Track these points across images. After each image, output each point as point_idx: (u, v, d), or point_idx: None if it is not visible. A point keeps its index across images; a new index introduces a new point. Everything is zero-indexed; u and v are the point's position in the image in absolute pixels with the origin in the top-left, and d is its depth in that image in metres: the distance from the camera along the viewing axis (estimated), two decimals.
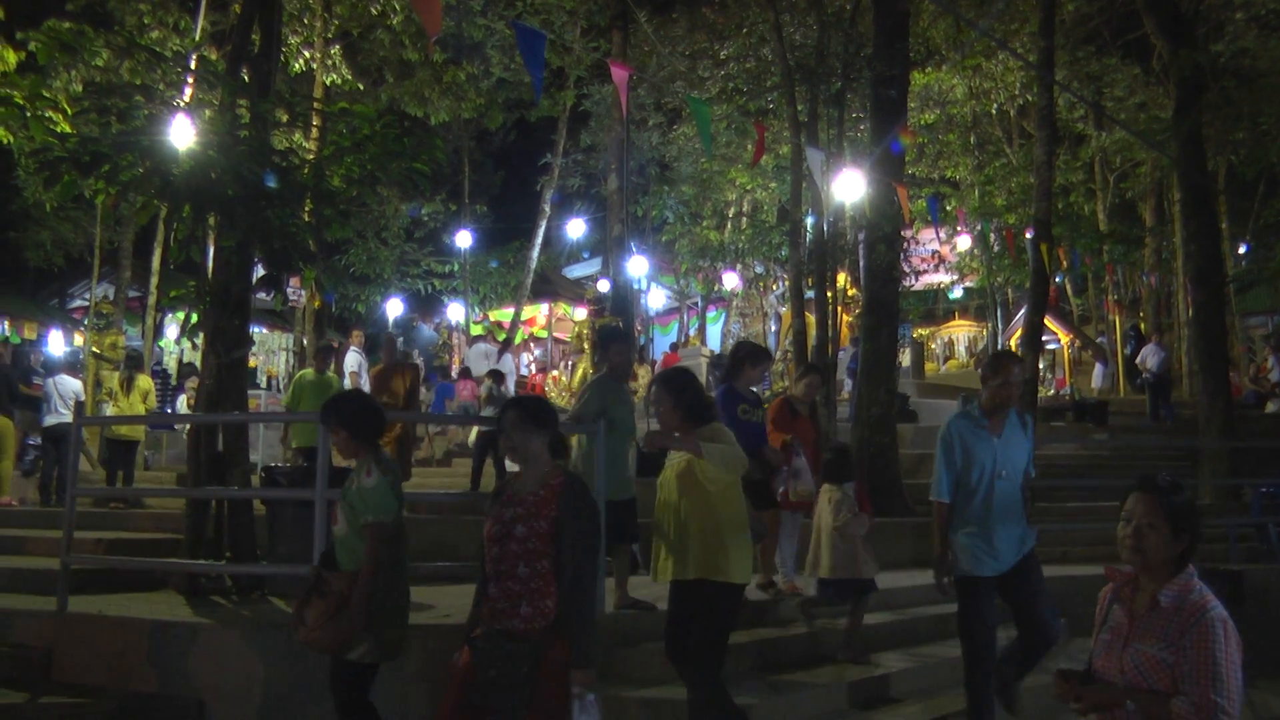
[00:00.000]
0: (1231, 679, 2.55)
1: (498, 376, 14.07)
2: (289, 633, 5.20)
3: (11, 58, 8.58)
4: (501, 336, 25.63)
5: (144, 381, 11.69)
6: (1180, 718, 2.54)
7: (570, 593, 3.44)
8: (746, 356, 6.85)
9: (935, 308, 32.04)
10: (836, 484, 6.49)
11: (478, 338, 21.50)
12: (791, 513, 7.11)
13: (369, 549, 4.11)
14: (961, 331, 29.17)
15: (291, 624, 4.21)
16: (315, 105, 10.84)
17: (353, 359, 14.85)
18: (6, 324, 22.21)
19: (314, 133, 12.80)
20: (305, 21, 15.03)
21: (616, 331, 6.78)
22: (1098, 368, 22.71)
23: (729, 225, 24.47)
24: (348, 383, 14.45)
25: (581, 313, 24.77)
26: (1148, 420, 16.38)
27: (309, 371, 10.79)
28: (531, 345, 29.78)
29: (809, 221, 15.03)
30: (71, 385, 11.58)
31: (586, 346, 12.97)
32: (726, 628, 4.50)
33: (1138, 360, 17.10)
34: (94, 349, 14.99)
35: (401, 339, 24.96)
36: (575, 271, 31.10)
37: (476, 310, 27.45)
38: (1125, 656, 2.70)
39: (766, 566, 6.93)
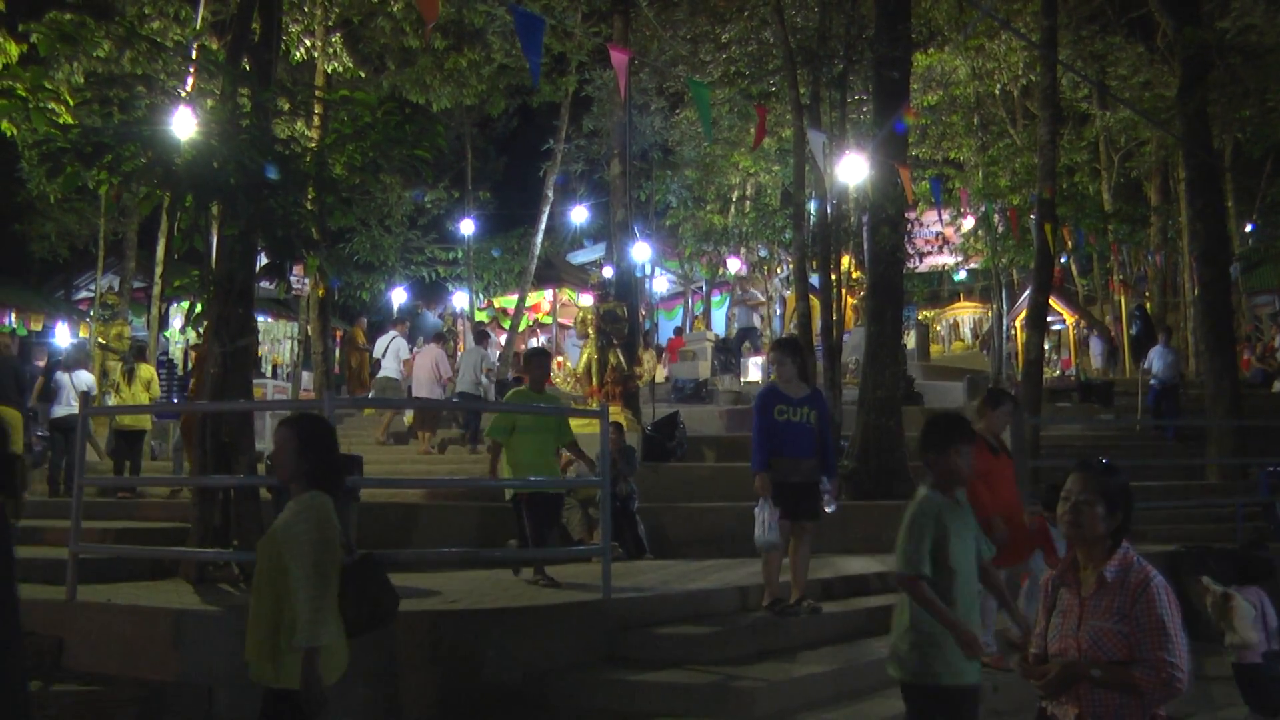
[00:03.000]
0: (1177, 638, 2.77)
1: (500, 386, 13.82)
2: None
3: (13, 50, 8.59)
4: (509, 324, 25.67)
5: (145, 371, 11.73)
6: (1141, 682, 2.75)
7: None
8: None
9: (940, 289, 31.97)
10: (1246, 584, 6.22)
11: (481, 324, 21.52)
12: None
13: None
14: (966, 313, 29.12)
15: None
16: (316, 93, 10.85)
17: (401, 345, 14.54)
18: (13, 316, 22.26)
19: (316, 121, 12.80)
20: (306, 10, 14.96)
21: (946, 430, 3.97)
22: (1094, 344, 22.66)
23: (732, 209, 24.40)
24: (392, 370, 14.24)
25: (586, 298, 24.78)
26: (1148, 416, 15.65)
27: (523, 388, 7.67)
28: (538, 331, 29.84)
29: (812, 205, 14.98)
30: (85, 379, 11.69)
31: (591, 332, 12.91)
32: None
33: (1143, 367, 16.25)
34: (100, 340, 15.00)
35: (409, 325, 25.00)
36: (579, 257, 31.07)
37: (481, 297, 27.45)
38: (1081, 634, 2.89)
39: (770, 583, 6.31)
